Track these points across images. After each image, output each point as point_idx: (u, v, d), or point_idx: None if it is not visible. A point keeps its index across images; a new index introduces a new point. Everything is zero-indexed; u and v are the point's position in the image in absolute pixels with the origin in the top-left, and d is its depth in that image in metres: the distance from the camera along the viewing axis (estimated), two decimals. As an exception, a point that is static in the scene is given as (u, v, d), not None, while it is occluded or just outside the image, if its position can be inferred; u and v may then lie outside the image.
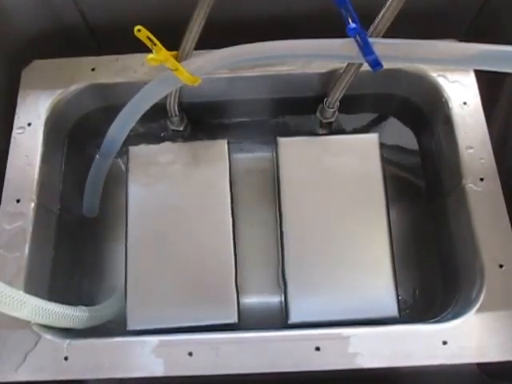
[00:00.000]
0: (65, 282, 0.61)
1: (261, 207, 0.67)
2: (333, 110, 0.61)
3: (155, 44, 0.46)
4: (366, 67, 0.46)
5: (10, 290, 0.43)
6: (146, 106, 0.54)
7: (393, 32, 0.46)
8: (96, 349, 0.48)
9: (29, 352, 0.48)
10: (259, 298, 0.64)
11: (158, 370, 0.47)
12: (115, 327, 0.59)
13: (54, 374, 0.48)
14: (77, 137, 0.66)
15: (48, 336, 0.49)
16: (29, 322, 0.48)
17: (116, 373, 0.48)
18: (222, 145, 0.62)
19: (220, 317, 0.54)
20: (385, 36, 0.47)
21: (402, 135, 0.70)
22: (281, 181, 0.59)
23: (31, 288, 0.51)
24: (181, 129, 0.64)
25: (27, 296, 0.45)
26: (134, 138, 0.61)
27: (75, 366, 0.48)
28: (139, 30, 0.45)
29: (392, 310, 0.54)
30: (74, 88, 0.61)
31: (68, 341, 0.49)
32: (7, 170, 0.56)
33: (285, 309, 0.55)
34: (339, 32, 0.44)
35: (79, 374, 0.48)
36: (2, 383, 0.47)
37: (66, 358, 0.48)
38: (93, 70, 0.61)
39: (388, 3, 0.45)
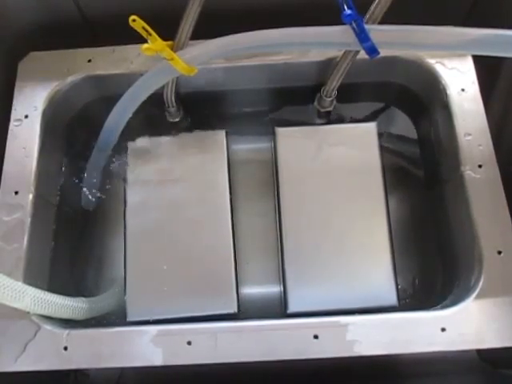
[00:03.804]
0: (65, 273, 0.62)
1: (260, 197, 0.67)
2: (330, 99, 0.61)
3: (150, 34, 0.46)
4: (363, 55, 0.46)
5: (10, 281, 0.43)
6: (143, 97, 0.54)
7: (391, 18, 0.46)
8: (95, 338, 0.49)
9: (28, 342, 0.48)
10: (258, 289, 0.64)
11: (157, 359, 0.48)
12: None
13: (54, 363, 0.48)
14: (74, 128, 0.66)
15: (47, 326, 0.49)
16: (28, 312, 0.49)
17: (115, 362, 0.48)
18: (220, 135, 0.62)
19: (220, 307, 0.55)
20: (382, 22, 0.46)
21: (400, 123, 0.70)
22: (279, 171, 0.59)
23: (30, 279, 0.52)
24: (178, 120, 0.64)
25: (26, 287, 0.46)
26: (131, 131, 0.61)
27: (75, 356, 0.48)
28: (134, 20, 0.45)
29: (391, 298, 0.54)
30: (70, 80, 0.61)
31: (67, 331, 0.49)
32: (5, 162, 0.56)
33: (284, 298, 0.55)
34: (339, 20, 0.44)
35: (79, 364, 0.48)
36: (2, 373, 0.47)
37: (65, 348, 0.48)
38: (89, 61, 0.61)
39: (384, -11, 0.44)
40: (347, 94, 0.63)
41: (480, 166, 0.54)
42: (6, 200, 0.54)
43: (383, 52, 0.45)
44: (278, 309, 0.59)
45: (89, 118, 0.66)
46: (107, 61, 0.61)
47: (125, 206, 0.59)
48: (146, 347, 0.48)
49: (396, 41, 0.44)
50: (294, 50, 0.59)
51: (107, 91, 0.62)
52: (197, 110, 0.67)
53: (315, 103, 0.63)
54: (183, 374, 0.59)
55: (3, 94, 0.60)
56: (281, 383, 0.64)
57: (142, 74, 0.51)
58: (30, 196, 0.55)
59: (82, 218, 0.67)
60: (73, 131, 0.66)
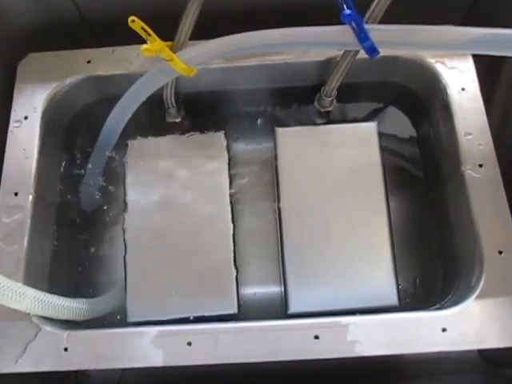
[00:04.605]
0: (65, 274, 0.62)
1: (260, 198, 0.67)
2: (330, 99, 0.61)
3: (149, 34, 0.46)
4: (363, 55, 0.46)
5: (10, 282, 0.43)
6: (142, 98, 0.54)
7: (390, 18, 0.46)
8: (96, 340, 0.49)
9: (29, 343, 0.48)
10: (259, 289, 0.64)
11: (158, 360, 0.47)
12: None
13: (54, 365, 0.48)
14: (74, 129, 0.66)
15: (48, 327, 0.49)
16: (28, 313, 0.49)
17: (116, 363, 0.48)
18: (219, 137, 0.62)
19: (220, 308, 0.55)
20: (382, 22, 0.46)
21: (400, 123, 0.70)
22: (280, 171, 0.59)
23: (30, 280, 0.52)
24: (178, 120, 0.64)
25: (27, 288, 0.45)
26: (132, 131, 0.61)
27: (75, 357, 0.48)
28: (133, 21, 0.45)
29: (392, 298, 0.54)
30: (70, 81, 0.61)
31: (68, 332, 0.49)
32: (5, 163, 0.56)
33: (284, 299, 0.55)
34: (339, 20, 0.43)
35: (79, 365, 0.48)
36: (3, 374, 0.47)
37: (65, 349, 0.48)
38: (88, 62, 0.61)
39: (383, -12, 0.44)
40: (347, 93, 0.62)
41: (480, 166, 0.53)
42: (5, 201, 0.54)
43: (383, 52, 0.45)
44: (279, 309, 0.59)
45: (88, 119, 0.66)
46: (107, 61, 0.61)
47: (124, 206, 0.59)
48: (146, 348, 0.48)
49: (396, 40, 0.44)
50: (294, 50, 0.59)
51: (107, 92, 0.62)
52: (197, 110, 0.67)
53: (315, 103, 0.63)
54: (184, 375, 0.59)
55: (3, 95, 0.60)
56: (281, 384, 0.64)
57: (141, 75, 0.51)
58: (30, 197, 0.55)
59: (81, 219, 0.67)
60: (72, 132, 0.66)
